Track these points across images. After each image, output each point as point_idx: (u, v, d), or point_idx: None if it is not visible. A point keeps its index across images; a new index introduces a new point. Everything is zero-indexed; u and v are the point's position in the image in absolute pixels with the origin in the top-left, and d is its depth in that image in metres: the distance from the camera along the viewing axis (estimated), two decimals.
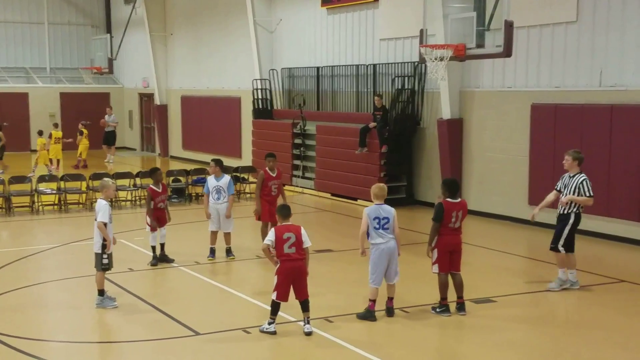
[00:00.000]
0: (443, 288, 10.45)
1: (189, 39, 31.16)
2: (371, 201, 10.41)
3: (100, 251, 10.72)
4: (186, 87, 31.62)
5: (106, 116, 31.61)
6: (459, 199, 10.47)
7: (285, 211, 9.75)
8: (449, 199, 10.40)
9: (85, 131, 29.18)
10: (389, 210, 10.18)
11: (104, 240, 10.66)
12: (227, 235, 13.83)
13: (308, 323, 9.57)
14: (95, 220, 10.66)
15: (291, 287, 9.55)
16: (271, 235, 9.54)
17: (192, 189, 20.95)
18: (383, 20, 20.94)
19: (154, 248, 13.40)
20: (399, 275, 10.40)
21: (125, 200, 20.04)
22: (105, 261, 10.75)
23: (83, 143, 28.84)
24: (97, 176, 20.11)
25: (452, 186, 10.52)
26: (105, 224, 10.57)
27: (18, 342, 9.38)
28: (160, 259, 13.42)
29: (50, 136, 27.76)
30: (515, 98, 17.22)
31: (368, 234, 10.16)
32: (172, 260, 13.39)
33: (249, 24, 25.61)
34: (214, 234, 13.73)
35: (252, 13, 25.36)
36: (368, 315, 10.20)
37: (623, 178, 14.96)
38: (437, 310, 10.48)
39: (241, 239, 14.85)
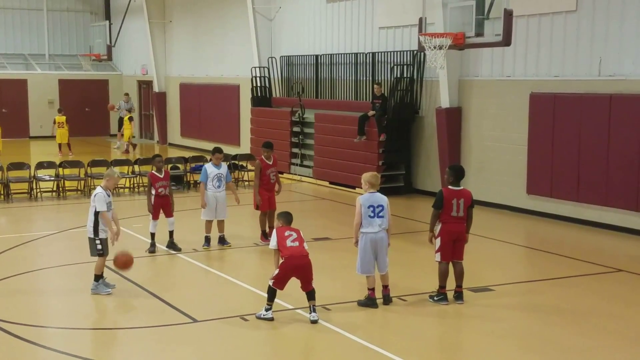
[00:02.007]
0: (443, 277, 10.46)
1: (188, 26, 31.09)
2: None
3: (92, 236, 10.75)
4: (185, 75, 31.57)
5: (122, 102, 31.68)
6: (461, 187, 10.44)
7: (289, 218, 9.89)
8: (450, 186, 10.39)
9: (133, 116, 30.43)
10: (383, 198, 10.20)
11: (97, 225, 10.68)
12: (222, 223, 13.80)
13: (314, 311, 9.57)
14: (91, 205, 10.75)
15: (293, 278, 9.59)
16: (273, 237, 9.61)
17: (190, 176, 20.96)
18: (382, 9, 20.89)
19: (152, 235, 13.39)
20: (388, 265, 10.38)
21: (123, 187, 20.04)
22: (99, 247, 10.78)
23: (128, 128, 29.91)
24: (95, 163, 20.14)
25: (458, 172, 10.51)
26: (100, 212, 10.67)
27: (16, 328, 9.40)
28: (168, 246, 13.43)
29: (54, 121, 28.26)
30: (514, 87, 17.20)
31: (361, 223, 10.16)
32: (179, 249, 13.36)
33: (248, 12, 25.54)
34: (209, 223, 13.65)
35: (252, 1, 25.29)
36: (369, 303, 10.22)
37: (621, 168, 14.96)
38: (435, 298, 10.50)
39: (239, 227, 14.86)
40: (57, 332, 9.55)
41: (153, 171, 13.50)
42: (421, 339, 9.38)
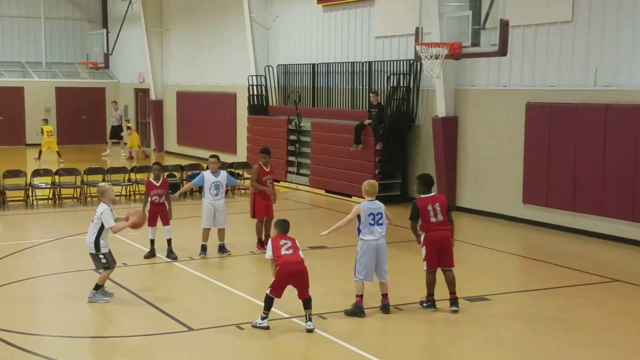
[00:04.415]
0: (429, 285, 10.57)
1: (185, 34, 31.13)
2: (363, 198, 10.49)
3: (95, 252, 10.75)
4: (182, 83, 31.59)
5: (117, 110, 31.70)
6: (433, 193, 10.54)
7: (285, 226, 9.85)
8: (422, 195, 10.50)
9: (131, 126, 30.68)
10: (380, 206, 10.32)
11: (98, 241, 10.70)
12: (222, 232, 13.80)
13: (310, 320, 9.57)
14: (92, 222, 10.78)
15: (289, 286, 9.61)
16: (269, 247, 9.62)
17: (186, 184, 20.93)
18: (379, 18, 20.95)
19: (152, 242, 13.40)
20: (387, 272, 10.43)
21: (119, 195, 20.02)
22: (104, 261, 10.79)
23: (133, 137, 30.17)
24: (91, 171, 20.15)
25: (427, 180, 10.62)
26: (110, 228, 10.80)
27: (11, 336, 9.38)
28: (168, 255, 13.43)
29: (42, 131, 28.46)
30: (510, 97, 17.24)
31: (359, 230, 10.22)
32: (175, 258, 13.36)
33: (245, 20, 25.60)
34: (207, 231, 13.63)
35: (249, 9, 25.35)
36: (357, 311, 10.23)
37: (617, 178, 14.99)
38: (424, 305, 10.60)
39: (236, 235, 14.85)
40: (53, 340, 9.54)
41: (150, 179, 13.52)
42: (418, 347, 9.40)
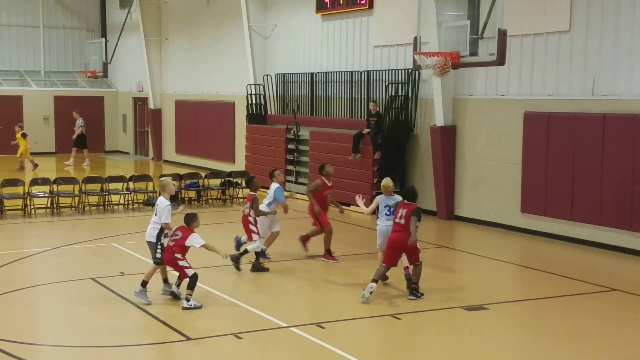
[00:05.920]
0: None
1: (183, 43, 31.19)
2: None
3: (154, 240, 11.08)
4: (180, 92, 31.63)
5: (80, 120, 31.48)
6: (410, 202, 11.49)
7: (188, 220, 11.14)
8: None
9: (26, 133, 29.67)
10: (398, 200, 11.84)
11: (161, 231, 11.10)
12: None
13: (187, 300, 10.87)
14: (155, 215, 11.16)
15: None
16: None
17: (185, 193, 20.94)
18: (377, 27, 21.00)
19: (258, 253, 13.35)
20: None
21: (117, 204, 19.99)
22: (158, 254, 11.12)
23: (22, 144, 29.32)
24: (89, 179, 20.14)
25: (409, 193, 11.66)
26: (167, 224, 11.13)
27: (9, 346, 9.36)
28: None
29: None
30: (508, 106, 17.27)
31: (378, 217, 12.16)
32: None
33: (244, 30, 25.65)
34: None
35: (247, 18, 25.41)
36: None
37: (615, 187, 15.01)
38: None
39: (232, 243, 14.82)
40: (51, 350, 9.53)
41: (252, 193, 13.54)
42: (417, 358, 9.38)
